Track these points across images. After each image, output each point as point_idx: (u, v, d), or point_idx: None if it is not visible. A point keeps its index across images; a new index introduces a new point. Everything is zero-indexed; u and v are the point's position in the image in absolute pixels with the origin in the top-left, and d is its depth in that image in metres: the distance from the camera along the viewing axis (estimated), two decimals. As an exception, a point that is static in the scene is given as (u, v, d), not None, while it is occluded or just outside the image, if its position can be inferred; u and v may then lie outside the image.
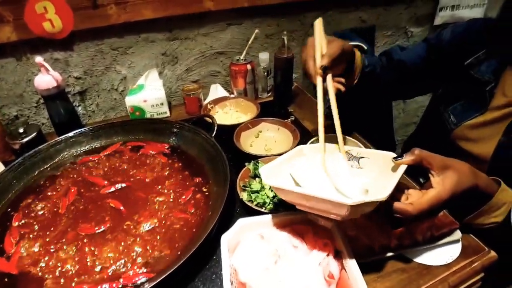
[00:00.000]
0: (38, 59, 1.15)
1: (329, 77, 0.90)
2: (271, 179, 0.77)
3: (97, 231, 0.91)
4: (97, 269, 0.82)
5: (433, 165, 0.73)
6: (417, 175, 1.04)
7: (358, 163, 0.87)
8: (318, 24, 0.94)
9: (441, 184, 0.71)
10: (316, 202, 0.69)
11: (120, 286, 0.77)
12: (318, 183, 0.83)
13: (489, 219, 0.83)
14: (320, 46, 0.91)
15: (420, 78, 1.21)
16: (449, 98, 1.13)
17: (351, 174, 0.83)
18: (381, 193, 0.67)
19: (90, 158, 1.17)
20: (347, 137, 1.06)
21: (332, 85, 0.90)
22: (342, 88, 0.95)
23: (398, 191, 0.76)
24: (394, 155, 0.79)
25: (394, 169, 0.78)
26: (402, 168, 0.75)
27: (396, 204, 0.71)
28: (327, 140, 0.88)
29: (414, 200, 0.72)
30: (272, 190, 0.95)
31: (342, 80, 0.97)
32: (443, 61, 1.13)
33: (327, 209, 0.69)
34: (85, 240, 0.89)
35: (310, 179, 0.84)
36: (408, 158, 0.75)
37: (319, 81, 0.89)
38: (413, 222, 0.79)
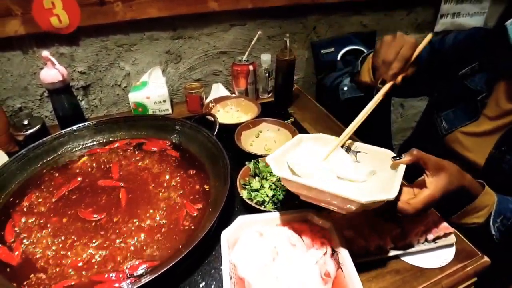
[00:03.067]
0: (45, 53, 1.16)
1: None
2: (281, 171, 0.79)
3: (97, 222, 0.93)
4: (98, 259, 0.83)
5: (428, 166, 0.77)
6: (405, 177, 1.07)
7: (356, 157, 0.90)
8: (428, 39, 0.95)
9: (435, 184, 0.76)
10: (324, 195, 0.71)
11: (127, 276, 0.79)
12: (316, 172, 0.85)
13: (471, 219, 0.88)
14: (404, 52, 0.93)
15: (420, 80, 1.22)
16: (443, 104, 1.16)
17: (352, 164, 0.87)
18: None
19: (98, 150, 1.19)
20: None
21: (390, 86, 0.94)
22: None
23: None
24: (392, 154, 0.82)
25: (392, 167, 0.81)
26: (402, 167, 0.78)
27: (399, 204, 0.75)
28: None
29: (411, 200, 0.76)
30: (271, 189, 0.97)
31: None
32: (442, 66, 1.16)
33: (335, 203, 0.72)
34: (86, 231, 0.90)
35: (308, 168, 0.85)
36: (406, 158, 0.78)
37: (388, 85, 0.93)
38: (410, 217, 0.81)
